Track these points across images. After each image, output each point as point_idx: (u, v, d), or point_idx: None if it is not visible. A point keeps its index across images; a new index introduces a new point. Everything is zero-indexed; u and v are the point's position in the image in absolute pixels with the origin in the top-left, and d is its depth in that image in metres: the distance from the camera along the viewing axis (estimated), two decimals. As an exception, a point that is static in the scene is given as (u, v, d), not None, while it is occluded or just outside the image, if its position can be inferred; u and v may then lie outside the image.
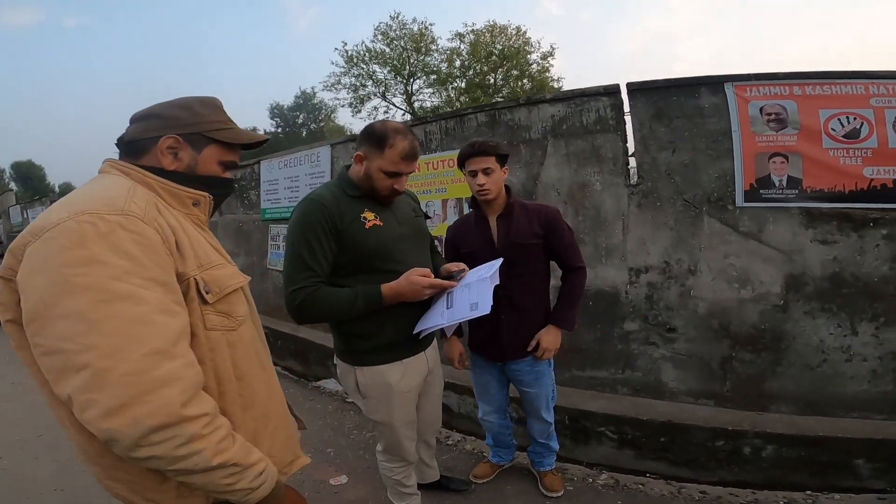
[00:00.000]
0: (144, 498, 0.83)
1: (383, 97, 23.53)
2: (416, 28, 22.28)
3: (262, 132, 28.33)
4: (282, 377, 4.36)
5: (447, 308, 1.45)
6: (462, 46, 22.29)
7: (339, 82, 22.97)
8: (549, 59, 22.49)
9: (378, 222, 1.48)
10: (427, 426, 1.85)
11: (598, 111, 2.79)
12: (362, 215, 1.46)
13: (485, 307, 1.35)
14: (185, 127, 0.91)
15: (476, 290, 1.43)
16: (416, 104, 23.57)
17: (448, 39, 24.96)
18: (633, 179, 2.78)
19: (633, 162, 2.80)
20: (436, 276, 1.50)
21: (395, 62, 22.41)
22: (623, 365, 2.72)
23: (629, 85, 2.70)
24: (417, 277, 1.41)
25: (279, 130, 29.60)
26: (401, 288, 1.41)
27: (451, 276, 1.55)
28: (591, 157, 2.84)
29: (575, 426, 2.40)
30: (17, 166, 49.91)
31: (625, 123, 2.75)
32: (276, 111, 28.99)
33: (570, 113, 2.90)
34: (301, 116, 29.47)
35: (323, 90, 24.16)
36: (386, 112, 23.44)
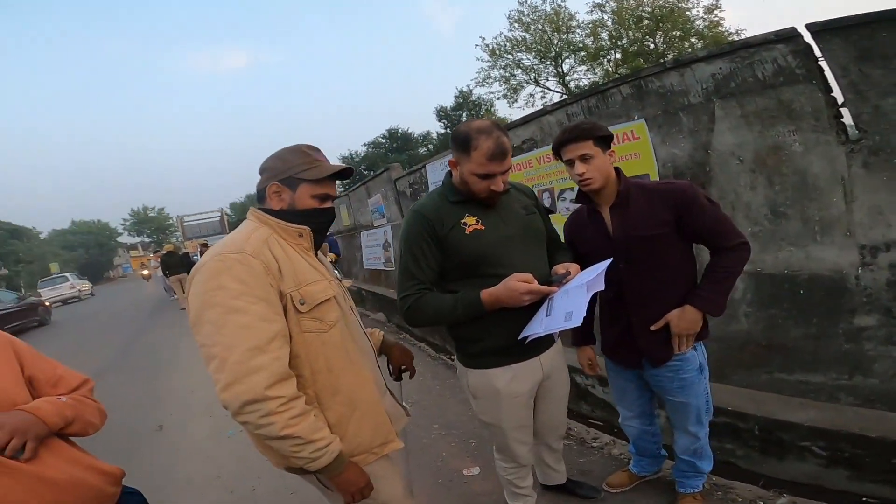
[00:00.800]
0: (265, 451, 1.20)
1: (536, 83, 23.02)
2: (548, 8, 21.16)
3: (433, 135, 31.69)
4: (422, 352, 4.71)
5: (546, 315, 1.35)
6: (605, 17, 20.45)
7: (488, 77, 23.12)
8: (715, 12, 19.06)
9: (479, 227, 1.45)
10: (548, 430, 1.77)
11: (775, 61, 2.27)
12: (462, 221, 1.45)
13: (577, 318, 1.22)
14: (281, 173, 1.18)
15: (573, 298, 1.30)
16: (572, 84, 22.39)
17: (587, 13, 23.18)
18: (852, 135, 2.18)
19: (846, 114, 2.19)
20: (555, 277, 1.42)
21: (538, 46, 21.69)
22: (851, 368, 2.15)
23: (810, 26, 2.12)
24: (516, 283, 1.34)
25: (448, 131, 31.46)
26: (499, 294, 1.36)
27: (551, 281, 1.42)
28: (781, 115, 2.32)
29: (767, 438, 1.97)
30: (252, 198, 62.94)
31: (821, 71, 2.19)
32: (441, 114, 30.86)
33: (735, 69, 2.43)
34: (464, 115, 31.00)
35: (476, 87, 24.80)
36: (543, 98, 22.84)
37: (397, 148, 31.64)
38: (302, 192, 1.19)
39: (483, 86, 23.56)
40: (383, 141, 32.32)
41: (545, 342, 1.54)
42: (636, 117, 2.92)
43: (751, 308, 2.47)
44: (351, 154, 32.56)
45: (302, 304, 1.12)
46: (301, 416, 1.05)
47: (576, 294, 1.31)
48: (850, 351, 2.15)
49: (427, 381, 3.86)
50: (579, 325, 1.22)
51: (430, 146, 31.69)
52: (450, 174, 1.55)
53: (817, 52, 2.15)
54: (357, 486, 1.15)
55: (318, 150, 1.24)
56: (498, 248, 1.45)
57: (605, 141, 1.52)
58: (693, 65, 2.59)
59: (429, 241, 1.44)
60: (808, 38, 2.16)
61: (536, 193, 3.85)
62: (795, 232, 2.32)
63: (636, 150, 2.94)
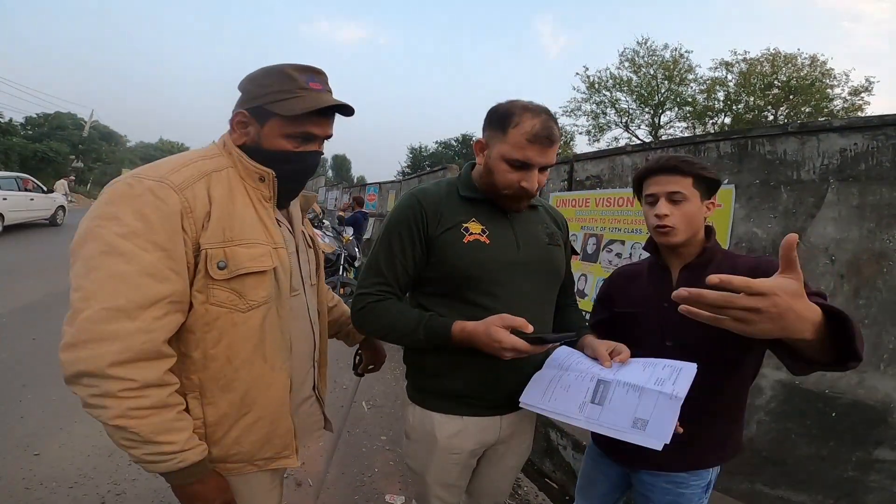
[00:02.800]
0: None
1: (626, 128, 21.95)
2: (667, 55, 19.94)
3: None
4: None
5: (591, 401, 0.98)
6: (728, 76, 19.10)
7: (578, 108, 22.25)
8: (862, 94, 17.20)
9: (483, 239, 1.10)
10: (484, 496, 1.40)
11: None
12: (465, 224, 1.11)
13: (660, 435, 0.87)
14: (251, 101, 0.92)
15: (651, 403, 0.92)
16: (664, 138, 21.34)
17: (709, 69, 21.66)
18: None
19: None
20: (556, 335, 1.04)
21: (641, 90, 20.64)
22: (841, 494, 1.89)
23: None
24: (501, 332, 0.97)
25: None
26: (477, 334, 1.00)
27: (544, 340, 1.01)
28: (905, 216, 1.85)
29: None
30: (336, 157, 66.58)
31: None
32: None
33: (874, 148, 1.92)
34: None
35: (562, 115, 24.04)
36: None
37: (467, 154, 31.75)
38: (271, 128, 0.92)
39: (570, 116, 22.74)
40: (455, 144, 32.35)
41: (514, 403, 1.13)
42: (726, 181, 2.45)
43: (768, 417, 2.23)
44: (421, 147, 33.01)
45: (221, 269, 0.86)
46: (150, 410, 0.80)
47: (658, 402, 0.92)
48: (850, 478, 1.92)
49: (398, 389, 3.51)
50: (658, 448, 0.87)
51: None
52: (471, 166, 1.21)
53: None
54: (210, 501, 0.91)
55: (313, 74, 0.94)
56: (501, 273, 1.11)
57: (707, 186, 1.14)
58: (822, 134, 2.10)
59: (414, 237, 1.11)
60: None
61: (583, 236, 3.53)
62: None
63: (712, 220, 2.48)
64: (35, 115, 32.60)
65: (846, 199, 2.03)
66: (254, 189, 0.94)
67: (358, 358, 1.49)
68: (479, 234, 1.11)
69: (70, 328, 0.78)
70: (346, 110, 0.97)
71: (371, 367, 1.47)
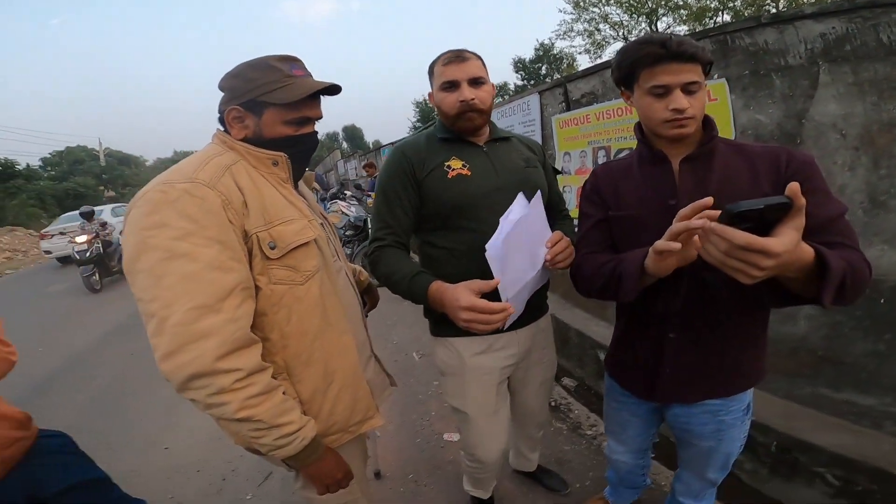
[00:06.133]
0: None
1: (625, 41, 21.14)
2: None
3: (510, 87, 29.82)
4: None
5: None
6: (718, -27, 17.96)
7: (570, 29, 21.39)
8: None
9: (465, 171, 1.24)
10: (525, 419, 1.59)
11: (907, 23, 1.85)
12: (447, 163, 1.24)
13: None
14: (242, 96, 0.93)
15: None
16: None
17: None
18: None
19: None
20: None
21: (630, 1, 19.64)
22: None
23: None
24: (461, 291, 1.05)
25: (525, 83, 30.50)
26: (445, 297, 1.09)
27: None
28: (906, 88, 1.87)
29: (781, 458, 1.73)
30: (346, 129, 65.53)
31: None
32: (518, 65, 29.49)
33: (854, 30, 2.00)
34: (543, 67, 29.47)
35: (557, 39, 23.23)
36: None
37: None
38: (270, 117, 0.95)
39: (564, 38, 22.02)
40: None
41: (526, 316, 1.28)
42: (716, 76, 2.54)
43: (815, 311, 2.13)
44: (424, 100, 32.16)
45: (272, 249, 0.89)
46: (264, 395, 0.84)
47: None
48: None
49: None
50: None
51: (506, 97, 30.96)
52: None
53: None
54: (334, 477, 0.98)
55: (293, 62, 0.97)
56: (485, 198, 1.23)
57: (708, 70, 1.01)
58: (797, 21, 2.17)
59: (406, 185, 1.25)
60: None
61: (592, 151, 3.66)
62: (895, 228, 1.93)
63: (711, 114, 2.57)
64: (49, 155, 33.55)
65: (840, 77, 2.07)
66: (270, 174, 0.97)
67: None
68: (460, 168, 1.24)
69: (162, 338, 0.78)
70: (334, 90, 1.01)
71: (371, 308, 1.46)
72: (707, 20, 18.81)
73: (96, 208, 10.29)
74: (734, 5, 18.15)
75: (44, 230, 11.77)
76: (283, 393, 0.89)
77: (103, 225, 7.84)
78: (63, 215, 12.63)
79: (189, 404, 0.84)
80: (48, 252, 11.06)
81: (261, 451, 0.91)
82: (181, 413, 2.92)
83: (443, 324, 1.28)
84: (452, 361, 1.33)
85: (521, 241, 1.07)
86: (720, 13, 18.68)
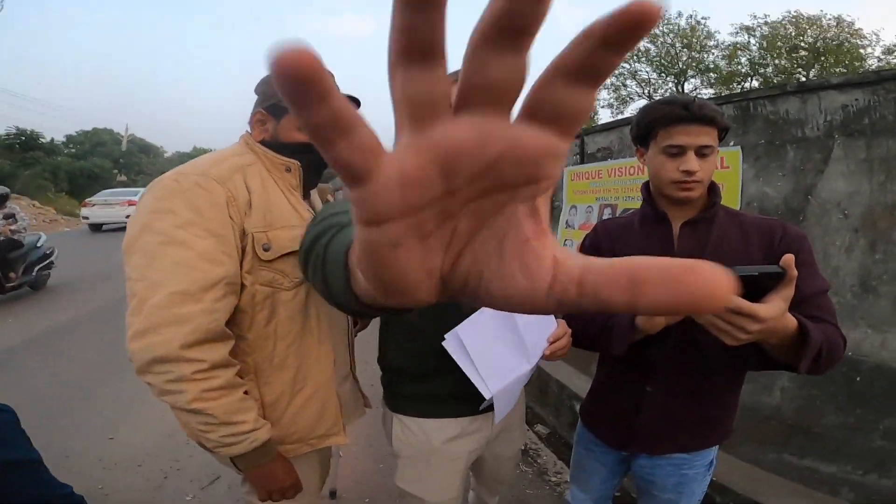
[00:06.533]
0: None
1: (649, 99, 21.54)
2: (683, 23, 19.23)
3: None
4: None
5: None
6: (751, 41, 18.29)
7: (597, 82, 22.11)
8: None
9: None
10: (490, 482, 1.42)
11: (933, 101, 1.78)
12: None
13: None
14: (267, 100, 0.99)
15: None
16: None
17: (730, 34, 21.16)
18: None
19: None
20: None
21: (661, 60, 20.06)
22: (871, 465, 1.85)
23: None
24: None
25: None
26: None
27: None
28: (919, 168, 1.85)
29: None
30: None
31: None
32: None
33: (875, 103, 1.94)
34: None
35: (579, 89, 23.68)
36: (654, 116, 21.51)
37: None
38: (287, 122, 0.99)
39: (588, 90, 22.41)
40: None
41: None
42: (731, 143, 2.49)
43: (791, 384, 2.22)
44: None
45: (266, 251, 0.91)
46: (221, 391, 0.83)
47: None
48: (880, 448, 1.90)
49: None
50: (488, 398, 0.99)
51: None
52: None
53: None
54: (279, 485, 0.94)
55: None
56: None
57: (722, 136, 1.03)
58: (821, 92, 2.13)
59: None
60: None
61: (598, 207, 3.63)
62: (881, 313, 1.92)
63: (721, 181, 2.52)
64: (74, 133, 34.20)
65: (853, 153, 2.04)
66: (281, 180, 1.00)
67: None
68: None
69: (137, 317, 0.80)
70: (352, 101, 1.03)
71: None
72: (735, 85, 19.12)
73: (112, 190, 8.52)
74: (765, 72, 18.44)
75: None
76: (245, 393, 0.89)
77: (8, 217, 5.29)
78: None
79: (151, 400, 0.81)
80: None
81: (206, 446, 0.89)
82: (143, 404, 2.82)
83: (412, 399, 1.10)
84: (415, 443, 1.11)
85: (503, 331, 1.01)
86: (750, 79, 18.98)
